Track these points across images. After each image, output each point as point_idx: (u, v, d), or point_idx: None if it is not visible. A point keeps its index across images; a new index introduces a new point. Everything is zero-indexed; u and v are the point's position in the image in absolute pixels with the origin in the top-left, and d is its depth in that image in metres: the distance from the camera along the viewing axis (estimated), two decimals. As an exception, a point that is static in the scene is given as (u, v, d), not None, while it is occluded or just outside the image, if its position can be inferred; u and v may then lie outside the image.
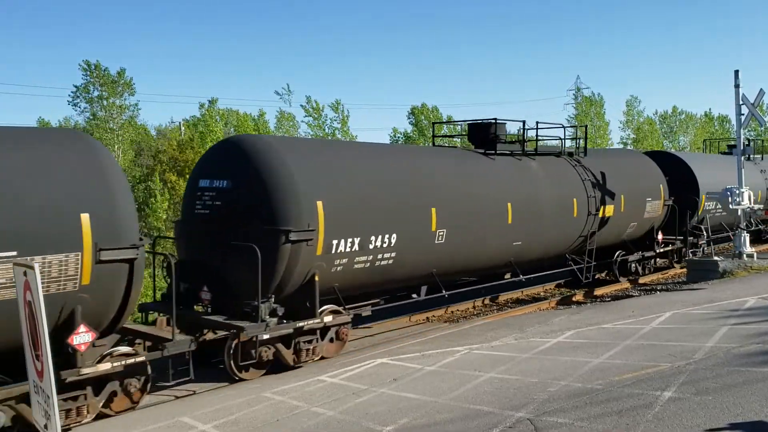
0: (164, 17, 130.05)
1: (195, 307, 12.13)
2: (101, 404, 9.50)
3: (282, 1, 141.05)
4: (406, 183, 13.72)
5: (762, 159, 30.10)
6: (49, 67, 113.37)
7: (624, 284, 20.87)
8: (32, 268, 5.96)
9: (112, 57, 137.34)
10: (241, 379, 11.32)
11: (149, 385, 10.09)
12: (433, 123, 29.45)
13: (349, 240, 12.17)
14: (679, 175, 23.04)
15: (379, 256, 12.84)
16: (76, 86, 47.84)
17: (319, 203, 11.67)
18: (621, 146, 67.69)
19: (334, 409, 8.71)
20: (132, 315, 11.13)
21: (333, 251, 11.94)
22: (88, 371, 9.05)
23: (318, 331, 11.99)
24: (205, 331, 11.99)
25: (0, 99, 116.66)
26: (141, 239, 9.37)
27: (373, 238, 12.59)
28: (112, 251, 8.87)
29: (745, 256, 20.59)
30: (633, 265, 20.78)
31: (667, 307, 14.06)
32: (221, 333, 11.96)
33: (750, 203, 21.53)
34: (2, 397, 8.45)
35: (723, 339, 10.45)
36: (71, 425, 9.13)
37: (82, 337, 8.81)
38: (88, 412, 9.29)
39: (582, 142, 19.55)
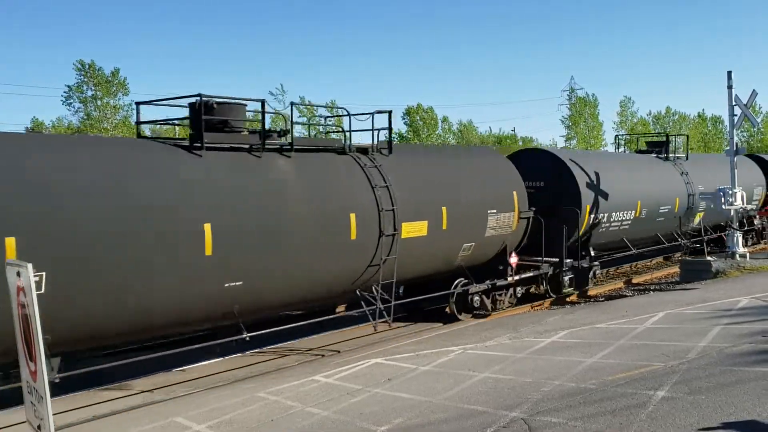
0: (159, 18, 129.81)
1: None
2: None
3: (277, 1, 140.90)
4: None
5: (687, 159, 24.88)
6: (43, 67, 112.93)
7: (618, 284, 20.91)
8: (26, 267, 5.93)
9: (107, 57, 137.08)
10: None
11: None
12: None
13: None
14: (558, 180, 18.54)
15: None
16: (68, 86, 47.79)
17: None
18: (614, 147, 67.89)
19: (328, 409, 8.71)
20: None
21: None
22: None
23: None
24: None
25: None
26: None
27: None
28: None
29: (737, 256, 20.69)
30: (476, 297, 16.07)
31: (661, 307, 14.10)
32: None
33: (742, 203, 21.63)
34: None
35: (716, 339, 10.49)
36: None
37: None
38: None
39: (387, 134, 14.43)
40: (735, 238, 21.19)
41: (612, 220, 19.75)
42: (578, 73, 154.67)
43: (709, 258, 20.10)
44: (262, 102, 12.11)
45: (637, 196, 20.74)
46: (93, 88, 47.30)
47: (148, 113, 23.69)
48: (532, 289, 18.33)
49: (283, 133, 12.81)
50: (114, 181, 9.88)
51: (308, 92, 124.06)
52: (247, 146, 11.83)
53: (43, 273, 8.71)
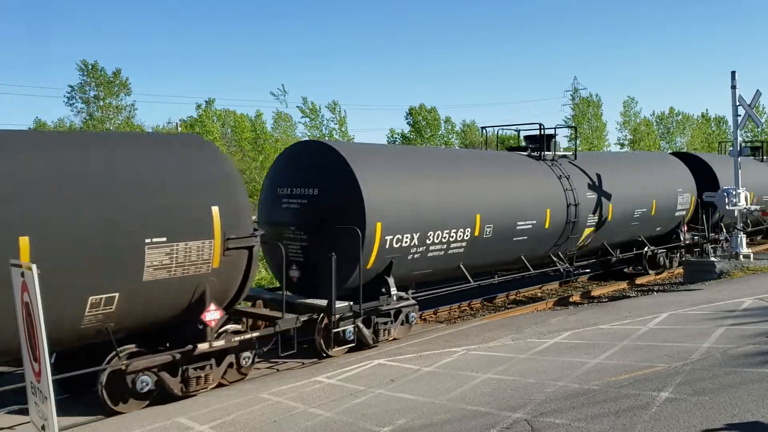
0: (160, 18, 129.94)
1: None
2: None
3: (279, 1, 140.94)
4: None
5: (575, 158, 19.49)
6: (45, 67, 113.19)
7: (621, 284, 20.95)
8: (30, 268, 5.94)
9: (108, 57, 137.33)
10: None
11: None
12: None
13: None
14: (336, 187, 13.02)
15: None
16: (71, 86, 47.84)
17: None
18: (618, 148, 67.87)
19: (331, 410, 8.71)
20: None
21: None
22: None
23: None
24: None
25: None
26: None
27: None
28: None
29: (741, 256, 20.66)
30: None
31: (664, 308, 14.08)
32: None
33: (742, 205, 21.58)
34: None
35: (720, 340, 10.47)
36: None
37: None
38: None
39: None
40: (739, 239, 21.17)
41: (433, 241, 14.30)
42: (581, 74, 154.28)
43: (712, 259, 20.08)
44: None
45: (476, 208, 15.19)
46: (96, 88, 47.36)
47: (148, 113, 23.69)
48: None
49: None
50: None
51: (306, 93, 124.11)
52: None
53: None
